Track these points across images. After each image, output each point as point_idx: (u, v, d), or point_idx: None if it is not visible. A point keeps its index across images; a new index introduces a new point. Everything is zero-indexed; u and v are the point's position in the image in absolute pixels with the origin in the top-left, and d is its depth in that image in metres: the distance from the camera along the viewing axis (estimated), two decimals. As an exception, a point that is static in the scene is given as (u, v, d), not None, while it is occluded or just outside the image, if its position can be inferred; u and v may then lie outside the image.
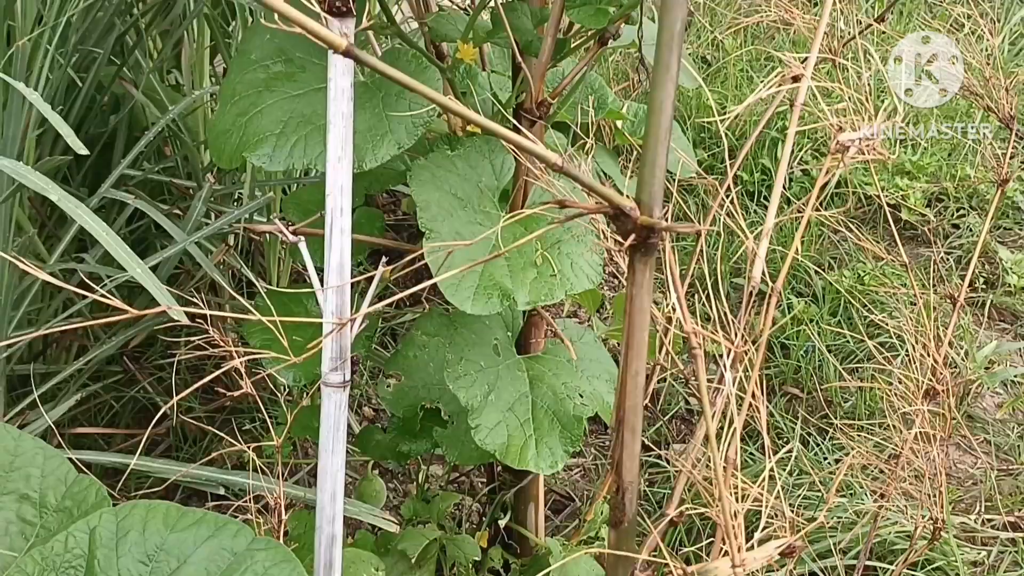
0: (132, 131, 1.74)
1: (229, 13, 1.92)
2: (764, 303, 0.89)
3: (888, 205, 2.79)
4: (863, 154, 0.80)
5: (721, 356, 0.84)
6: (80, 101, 1.51)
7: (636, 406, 0.81)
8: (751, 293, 0.95)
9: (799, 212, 0.97)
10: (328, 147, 1.05)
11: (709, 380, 0.79)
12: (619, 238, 0.76)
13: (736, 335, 0.89)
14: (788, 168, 3.08)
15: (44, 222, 1.64)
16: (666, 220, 0.75)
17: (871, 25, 1.43)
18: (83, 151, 0.90)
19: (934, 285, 2.55)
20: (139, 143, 1.53)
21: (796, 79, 0.80)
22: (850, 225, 2.76)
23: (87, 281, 0.86)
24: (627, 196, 0.75)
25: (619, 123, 2.36)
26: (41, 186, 0.92)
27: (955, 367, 2.16)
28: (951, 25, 4.48)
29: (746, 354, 0.80)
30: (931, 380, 1.20)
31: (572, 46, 1.32)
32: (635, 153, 3.06)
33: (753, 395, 0.83)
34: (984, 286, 2.56)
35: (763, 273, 0.96)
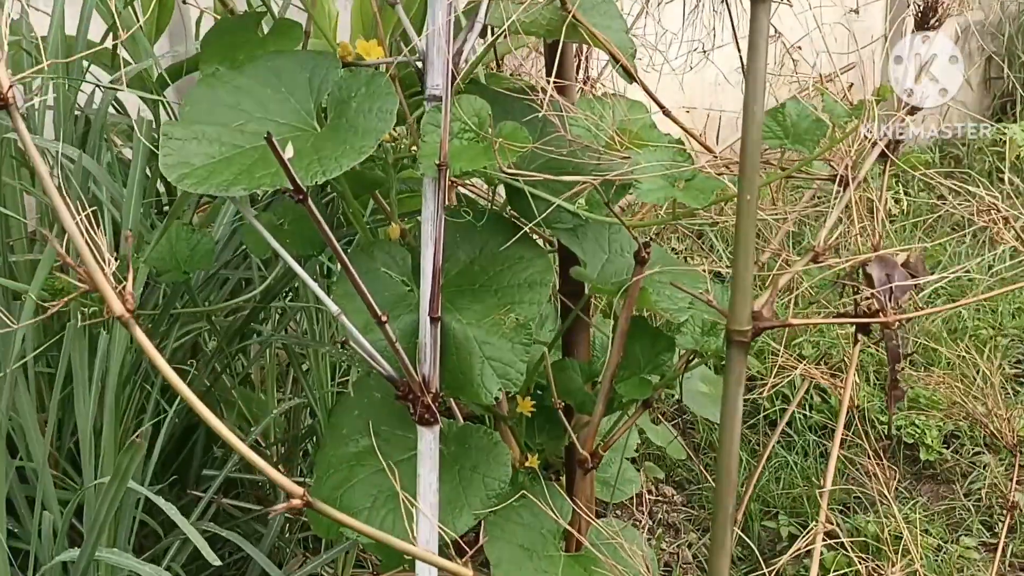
0: (210, 439, 1.90)
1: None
2: None
3: (906, 444, 2.92)
4: None
5: None
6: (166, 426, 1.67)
7: None
8: None
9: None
10: (419, 534, 1.22)
11: None
12: None
13: None
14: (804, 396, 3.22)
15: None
16: None
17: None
18: (217, 563, 1.06)
19: (956, 532, 2.65)
20: (225, 466, 1.70)
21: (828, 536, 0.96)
22: (871, 467, 2.88)
23: None
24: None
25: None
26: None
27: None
28: (960, 231, 4.66)
29: None
30: None
31: (620, 403, 1.49)
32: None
33: None
34: (1007, 533, 2.66)
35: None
